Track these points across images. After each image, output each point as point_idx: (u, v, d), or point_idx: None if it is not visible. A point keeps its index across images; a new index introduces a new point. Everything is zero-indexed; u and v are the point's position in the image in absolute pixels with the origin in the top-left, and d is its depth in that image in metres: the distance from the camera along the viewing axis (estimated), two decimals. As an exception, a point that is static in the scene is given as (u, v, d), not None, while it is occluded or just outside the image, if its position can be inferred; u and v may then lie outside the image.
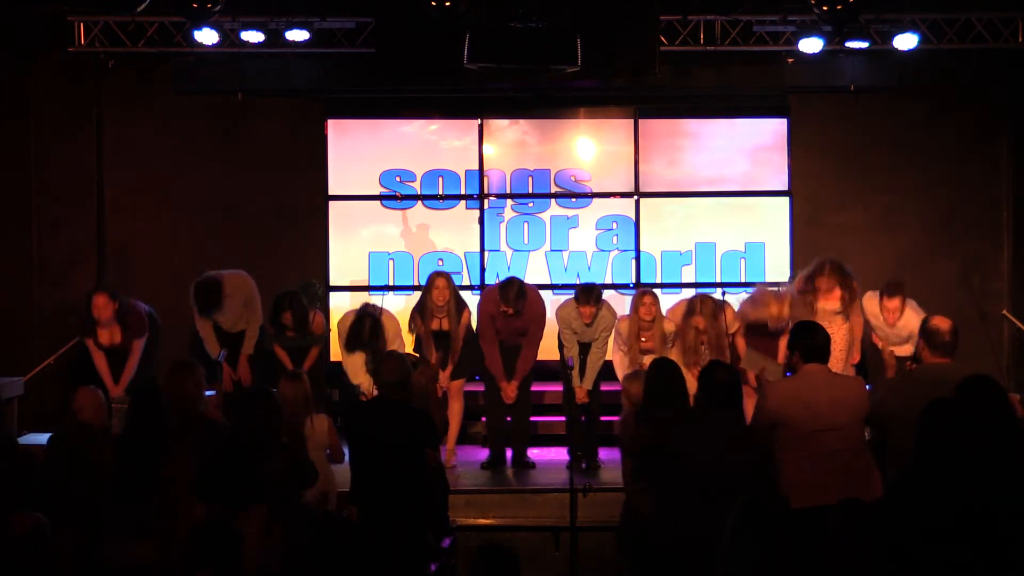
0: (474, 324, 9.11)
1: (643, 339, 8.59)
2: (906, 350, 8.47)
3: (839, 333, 8.49)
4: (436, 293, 8.75)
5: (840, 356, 8.45)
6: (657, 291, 9.21)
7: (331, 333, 9.52)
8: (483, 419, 9.33)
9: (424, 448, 6.34)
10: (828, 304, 8.63)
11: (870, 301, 8.90)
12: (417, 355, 8.43)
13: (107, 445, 6.56)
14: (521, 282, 8.83)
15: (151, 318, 9.11)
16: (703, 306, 8.50)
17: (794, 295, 8.68)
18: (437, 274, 8.92)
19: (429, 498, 6.45)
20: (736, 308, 8.75)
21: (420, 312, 8.87)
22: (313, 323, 9.05)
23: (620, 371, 8.53)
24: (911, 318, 8.57)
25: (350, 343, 8.64)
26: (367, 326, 8.53)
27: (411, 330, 8.90)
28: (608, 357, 8.92)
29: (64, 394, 7.96)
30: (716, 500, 5.10)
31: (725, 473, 5.41)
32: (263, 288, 9.23)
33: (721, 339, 8.47)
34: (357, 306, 8.92)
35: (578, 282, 9.93)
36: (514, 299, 8.68)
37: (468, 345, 8.91)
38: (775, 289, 8.76)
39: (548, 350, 9.14)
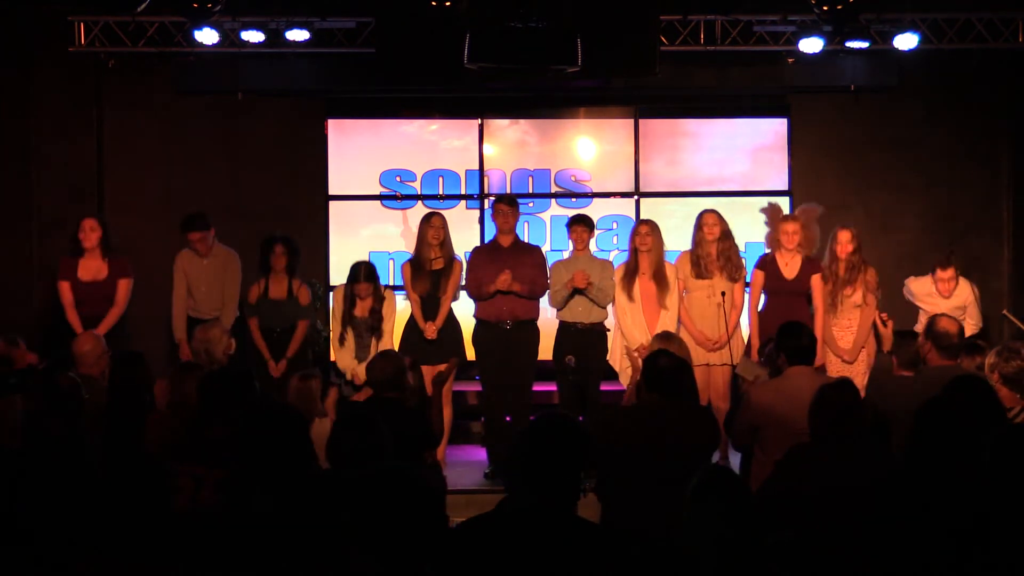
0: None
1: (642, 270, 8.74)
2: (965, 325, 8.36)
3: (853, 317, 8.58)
4: (432, 233, 8.74)
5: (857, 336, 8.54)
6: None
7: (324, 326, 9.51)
8: (482, 419, 9.32)
9: (421, 450, 6.34)
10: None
11: (917, 282, 9.04)
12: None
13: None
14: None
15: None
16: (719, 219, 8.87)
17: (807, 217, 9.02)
18: (433, 213, 8.99)
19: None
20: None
21: (413, 262, 8.85)
22: (299, 293, 8.96)
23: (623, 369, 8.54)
24: (964, 287, 8.87)
25: (350, 279, 8.69)
26: (363, 269, 8.66)
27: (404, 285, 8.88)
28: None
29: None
30: (657, 485, 5.13)
31: (666, 459, 5.32)
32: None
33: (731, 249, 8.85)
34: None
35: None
36: (508, 200, 8.98)
37: (452, 325, 8.86)
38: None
39: (547, 350, 9.12)
